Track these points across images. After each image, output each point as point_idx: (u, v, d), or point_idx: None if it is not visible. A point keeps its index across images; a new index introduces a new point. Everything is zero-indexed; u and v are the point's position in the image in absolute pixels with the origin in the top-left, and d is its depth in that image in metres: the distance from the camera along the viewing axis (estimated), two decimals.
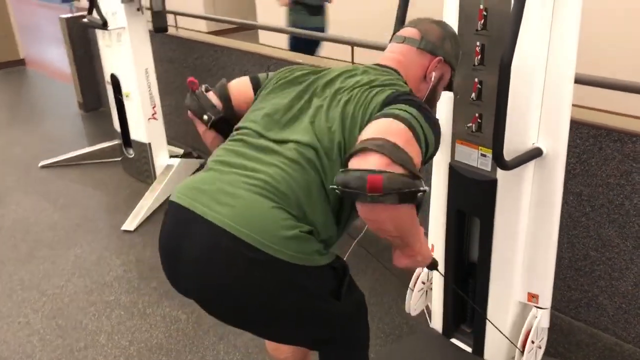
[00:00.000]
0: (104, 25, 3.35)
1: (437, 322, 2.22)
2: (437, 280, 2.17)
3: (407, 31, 1.59)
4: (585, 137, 2.13)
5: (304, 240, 1.27)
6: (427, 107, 1.37)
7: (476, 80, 1.76)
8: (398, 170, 1.15)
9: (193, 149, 4.33)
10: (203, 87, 1.63)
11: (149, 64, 3.59)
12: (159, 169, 3.79)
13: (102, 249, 3.13)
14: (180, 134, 4.44)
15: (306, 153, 1.33)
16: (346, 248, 1.77)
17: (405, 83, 1.48)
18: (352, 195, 1.17)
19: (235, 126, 1.50)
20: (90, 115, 5.27)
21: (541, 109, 1.71)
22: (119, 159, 4.13)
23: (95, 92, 5.32)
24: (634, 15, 3.68)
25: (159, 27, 3.46)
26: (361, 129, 1.31)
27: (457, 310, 2.15)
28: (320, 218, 1.32)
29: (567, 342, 2.32)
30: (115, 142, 4.18)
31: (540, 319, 1.94)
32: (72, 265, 3.00)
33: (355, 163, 1.18)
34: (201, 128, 1.64)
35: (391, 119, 1.25)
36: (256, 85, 1.60)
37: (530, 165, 1.76)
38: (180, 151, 4.25)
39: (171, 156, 3.91)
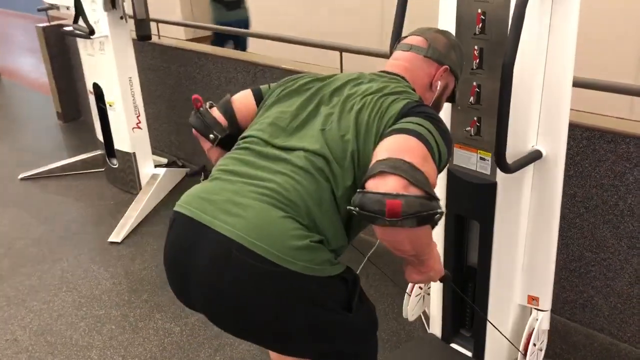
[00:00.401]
0: (90, 33, 3.29)
1: (435, 327, 2.21)
2: (436, 285, 2.16)
3: (413, 39, 1.58)
4: (579, 138, 2.14)
5: (314, 250, 1.25)
6: (439, 118, 1.37)
7: (475, 84, 1.76)
8: (415, 192, 1.14)
9: (177, 158, 4.28)
10: (207, 104, 1.60)
11: (133, 72, 3.54)
12: (144, 179, 3.73)
13: (89, 262, 3.07)
14: (163, 143, 4.38)
15: (316, 161, 1.31)
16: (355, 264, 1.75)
17: (414, 90, 1.47)
18: (370, 219, 1.16)
19: (241, 135, 1.48)
20: (69, 126, 5.17)
21: (540, 111, 1.72)
22: (102, 169, 4.06)
23: (74, 102, 5.23)
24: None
25: (142, 35, 3.41)
26: (377, 139, 1.30)
27: (456, 315, 2.15)
28: (330, 227, 1.30)
29: (564, 344, 2.33)
30: (98, 152, 4.10)
31: (541, 321, 1.94)
32: (59, 279, 2.92)
33: (372, 185, 1.16)
34: (206, 146, 1.62)
35: (407, 136, 1.24)
36: (258, 97, 1.59)
37: (530, 168, 1.77)
38: (164, 160, 4.19)
39: (156, 166, 3.85)
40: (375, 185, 1.15)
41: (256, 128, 1.44)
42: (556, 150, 1.73)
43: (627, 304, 2.24)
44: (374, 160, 1.22)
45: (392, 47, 1.71)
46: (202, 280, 1.28)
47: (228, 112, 1.58)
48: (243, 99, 1.60)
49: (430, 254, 1.36)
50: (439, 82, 1.55)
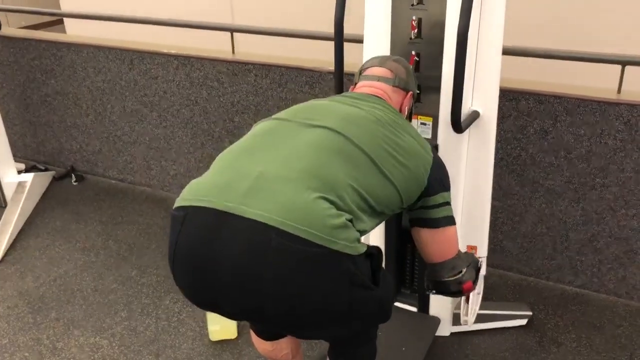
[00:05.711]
0: None
1: None
2: None
3: (377, 70, 1.65)
4: None
5: (349, 229, 1.25)
6: (444, 168, 1.59)
7: (413, 53, 1.85)
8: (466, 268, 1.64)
9: (37, 162, 3.86)
10: None
11: None
12: (8, 189, 3.30)
13: None
14: (16, 147, 3.89)
15: (337, 140, 1.32)
16: None
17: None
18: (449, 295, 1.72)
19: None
20: None
21: (474, 76, 1.87)
22: None
23: None
24: None
25: None
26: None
27: (398, 275, 2.26)
28: (355, 207, 1.30)
29: (483, 287, 2.57)
30: None
31: (480, 267, 2.12)
32: None
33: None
34: None
35: (449, 230, 1.57)
36: None
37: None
38: (22, 166, 3.75)
39: (19, 172, 3.44)
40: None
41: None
42: (490, 109, 1.90)
43: (532, 242, 2.53)
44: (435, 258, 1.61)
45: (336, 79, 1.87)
46: (236, 272, 1.20)
47: None
48: None
49: None
50: (407, 107, 1.67)
